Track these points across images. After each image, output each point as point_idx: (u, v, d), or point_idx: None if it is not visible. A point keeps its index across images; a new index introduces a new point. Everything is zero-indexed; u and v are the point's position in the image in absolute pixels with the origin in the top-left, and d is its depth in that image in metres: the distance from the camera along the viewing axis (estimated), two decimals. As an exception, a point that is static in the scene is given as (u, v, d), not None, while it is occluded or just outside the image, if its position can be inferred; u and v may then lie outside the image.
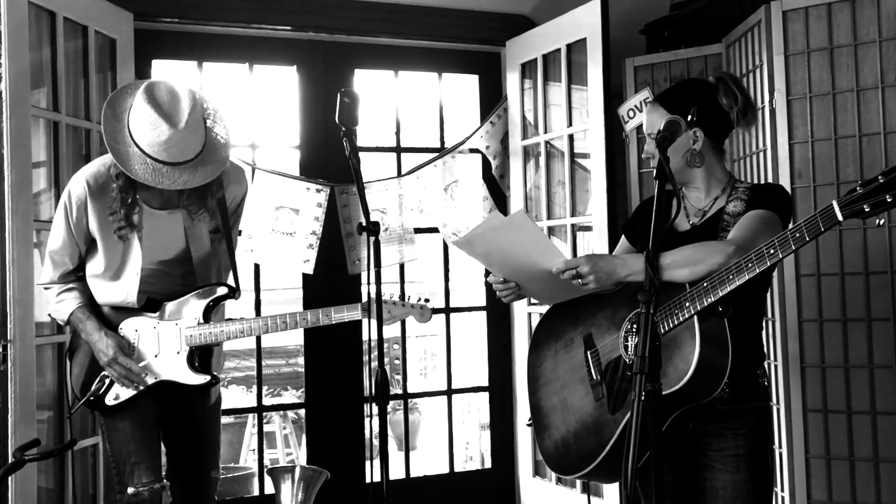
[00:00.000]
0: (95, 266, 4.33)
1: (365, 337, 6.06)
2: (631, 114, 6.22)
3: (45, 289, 4.42)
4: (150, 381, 4.32)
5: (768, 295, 5.35)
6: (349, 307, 4.35)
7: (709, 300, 3.17)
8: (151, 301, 4.39)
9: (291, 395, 11.44)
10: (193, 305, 4.38)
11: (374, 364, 3.67)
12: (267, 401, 10.41)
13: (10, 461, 3.66)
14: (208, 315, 4.37)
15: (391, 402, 6.86)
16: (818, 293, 5.24)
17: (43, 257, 4.45)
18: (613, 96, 6.01)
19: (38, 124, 5.00)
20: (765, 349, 3.85)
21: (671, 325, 3.29)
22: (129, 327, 4.34)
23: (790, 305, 5.28)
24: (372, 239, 3.74)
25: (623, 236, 4.10)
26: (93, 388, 4.27)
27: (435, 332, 13.28)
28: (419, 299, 4.45)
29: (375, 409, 3.65)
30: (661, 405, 2.83)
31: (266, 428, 10.02)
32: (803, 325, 5.26)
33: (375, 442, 3.81)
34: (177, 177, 4.09)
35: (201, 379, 4.35)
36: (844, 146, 5.19)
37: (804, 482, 5.23)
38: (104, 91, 5.50)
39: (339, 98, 3.75)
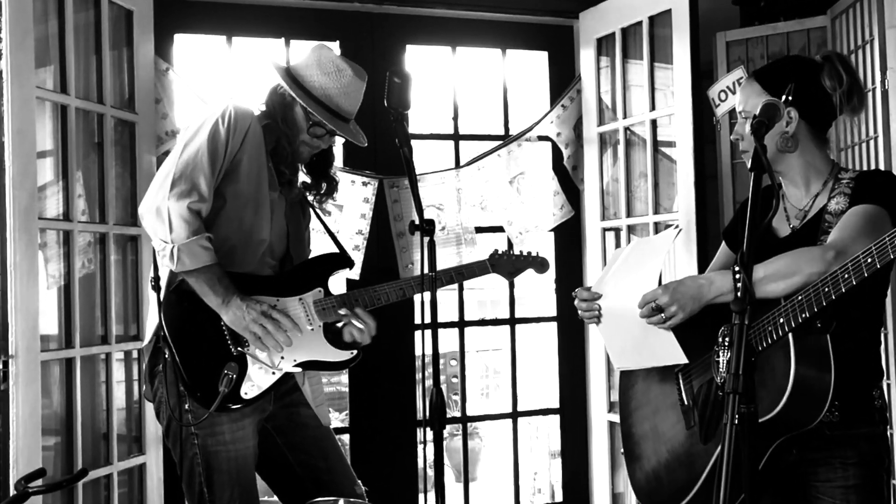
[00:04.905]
0: (227, 222, 4.32)
1: (418, 352, 6.10)
2: (723, 96, 6.20)
3: (187, 225, 4.11)
4: (289, 365, 4.34)
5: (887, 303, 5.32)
6: (477, 263, 4.77)
7: (803, 316, 3.15)
8: (265, 277, 4.44)
9: (334, 419, 11.45)
10: (310, 278, 4.48)
11: (429, 383, 3.69)
12: (306, 424, 10.44)
13: (11, 493, 3.70)
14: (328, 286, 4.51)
15: (448, 427, 6.89)
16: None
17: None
18: (702, 76, 5.98)
19: (43, 107, 5.00)
20: (883, 366, 3.81)
21: (764, 345, 3.27)
22: None
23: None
24: (426, 239, 3.75)
25: (723, 242, 4.09)
26: (223, 380, 4.11)
27: (498, 347, 13.28)
28: (536, 253, 4.93)
29: (430, 434, 3.66)
30: (756, 435, 2.81)
31: (305, 455, 10.05)
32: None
33: (430, 472, 3.83)
34: (343, 127, 4.54)
35: (347, 354, 4.45)
36: (968, 132, 5.14)
37: (929, 520, 5.17)
38: (119, 70, 5.55)
39: (388, 78, 3.77)
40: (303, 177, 4.75)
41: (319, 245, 4.91)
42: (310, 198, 4.79)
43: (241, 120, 4.23)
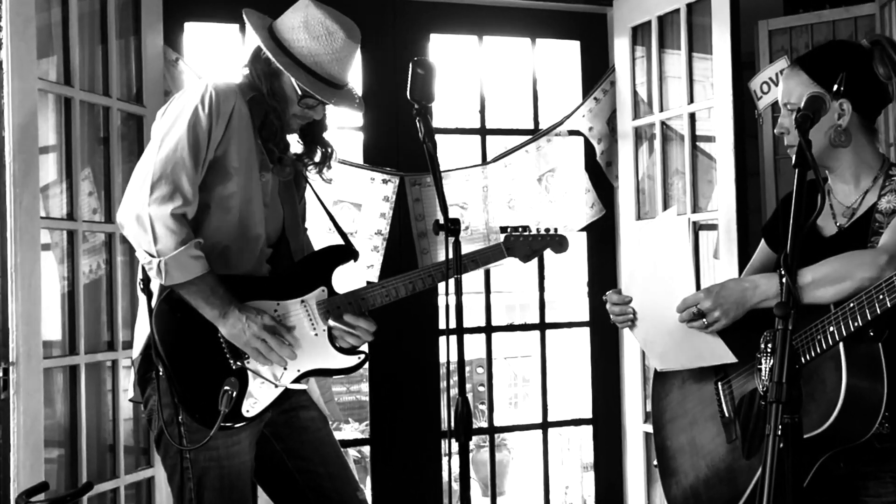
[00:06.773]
0: (218, 222, 4.17)
1: (443, 359, 6.09)
2: (765, 88, 6.17)
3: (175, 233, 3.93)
4: (292, 377, 4.23)
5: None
6: (491, 248, 4.59)
7: (855, 324, 3.11)
8: (262, 279, 4.31)
9: (353, 429, 11.48)
10: (312, 276, 4.33)
11: (454, 391, 3.67)
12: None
13: (12, 509, 3.70)
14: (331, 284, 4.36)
15: (474, 438, 6.89)
16: None
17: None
18: (744, 67, 5.96)
19: (46, 100, 4.99)
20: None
21: (813, 355, 3.24)
22: None
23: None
24: (451, 240, 3.72)
25: (763, 240, 4.06)
26: (223, 398, 3.99)
27: (527, 353, 13.26)
28: (554, 229, 4.71)
29: (455, 445, 3.64)
30: (802, 449, 2.78)
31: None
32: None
33: (455, 486, 3.81)
34: (338, 95, 4.36)
35: (353, 360, 4.31)
36: None
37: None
38: (126, 60, 5.55)
39: (411, 69, 3.74)
40: (295, 145, 4.59)
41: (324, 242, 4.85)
42: (307, 173, 4.65)
43: (224, 102, 4.06)
